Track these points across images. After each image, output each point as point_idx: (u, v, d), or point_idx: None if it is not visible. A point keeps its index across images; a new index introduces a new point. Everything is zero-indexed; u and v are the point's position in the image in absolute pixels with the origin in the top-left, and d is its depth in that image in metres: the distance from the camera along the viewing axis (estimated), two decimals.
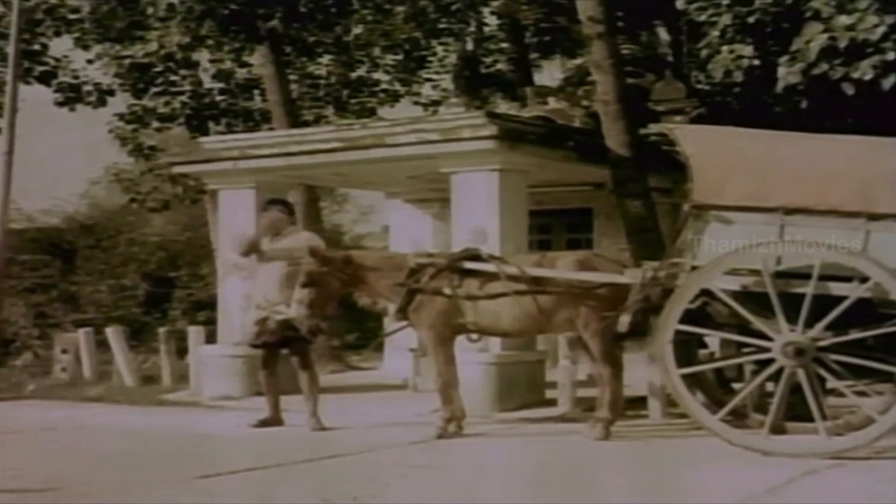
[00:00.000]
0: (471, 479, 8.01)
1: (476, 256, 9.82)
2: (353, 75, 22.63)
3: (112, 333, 15.27)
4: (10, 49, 17.67)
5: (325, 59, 22.18)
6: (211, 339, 13.99)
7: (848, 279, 8.56)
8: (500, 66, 21.42)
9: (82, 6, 20.51)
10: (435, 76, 22.80)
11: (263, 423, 10.39)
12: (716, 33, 13.60)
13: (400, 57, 22.25)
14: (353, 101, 22.70)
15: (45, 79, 21.05)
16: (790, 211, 8.78)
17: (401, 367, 13.61)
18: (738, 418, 9.13)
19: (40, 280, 24.73)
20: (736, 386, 9.72)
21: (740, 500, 7.02)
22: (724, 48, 13.55)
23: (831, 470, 7.97)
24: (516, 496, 7.27)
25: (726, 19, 13.43)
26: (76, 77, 21.44)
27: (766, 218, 8.84)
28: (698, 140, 9.38)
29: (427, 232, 14.12)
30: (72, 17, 20.68)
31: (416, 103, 22.90)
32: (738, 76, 13.60)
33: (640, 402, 10.70)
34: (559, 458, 8.92)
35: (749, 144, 9.24)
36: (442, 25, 21.09)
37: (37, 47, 20.79)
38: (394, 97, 22.92)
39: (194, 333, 14.42)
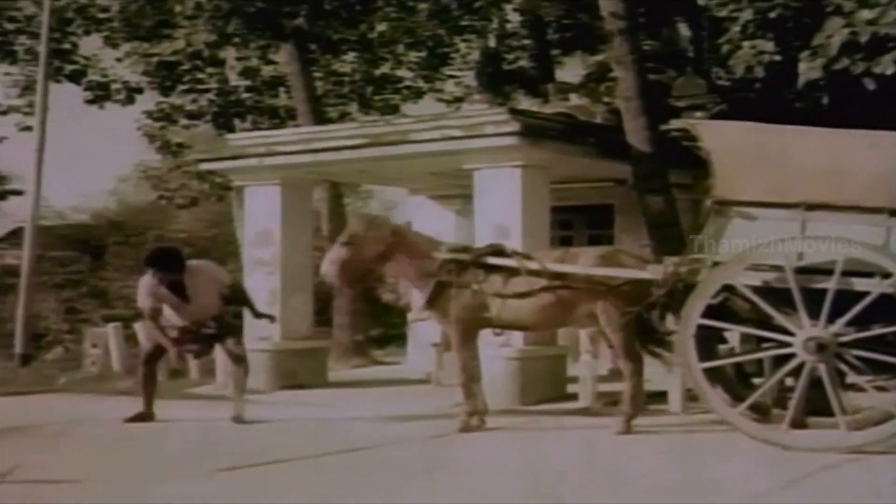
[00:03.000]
0: (492, 472, 7.96)
1: (500, 252, 9.77)
2: (377, 72, 22.63)
3: (140, 328, 15.26)
4: (42, 48, 17.77)
5: (350, 56, 22.20)
6: None
7: (870, 275, 8.47)
8: (522, 62, 21.34)
9: (111, 5, 20.62)
10: (458, 73, 22.78)
11: (138, 418, 10.40)
12: (737, 29, 13.52)
13: (423, 54, 22.24)
14: (376, 97, 22.71)
15: (75, 77, 21.17)
16: (812, 206, 8.69)
17: (424, 362, 13.58)
18: (759, 413, 9.06)
19: (70, 276, 24.83)
20: (756, 381, 9.65)
21: (760, 493, 6.94)
22: (745, 44, 13.47)
23: (850, 464, 7.90)
24: (536, 489, 7.21)
25: (747, 15, 13.35)
26: (105, 75, 21.57)
27: (787, 214, 8.76)
28: (720, 135, 9.30)
29: (450, 228, 14.04)
30: (101, 16, 20.79)
31: (440, 100, 22.88)
32: (759, 72, 13.52)
33: (661, 397, 10.63)
34: (579, 451, 8.86)
35: (771, 140, 9.16)
36: (465, 23, 21.04)
37: (67, 46, 20.93)
38: (417, 94, 22.91)
39: None
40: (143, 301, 10.24)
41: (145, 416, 10.41)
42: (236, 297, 10.70)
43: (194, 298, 10.21)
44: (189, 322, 10.29)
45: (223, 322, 10.48)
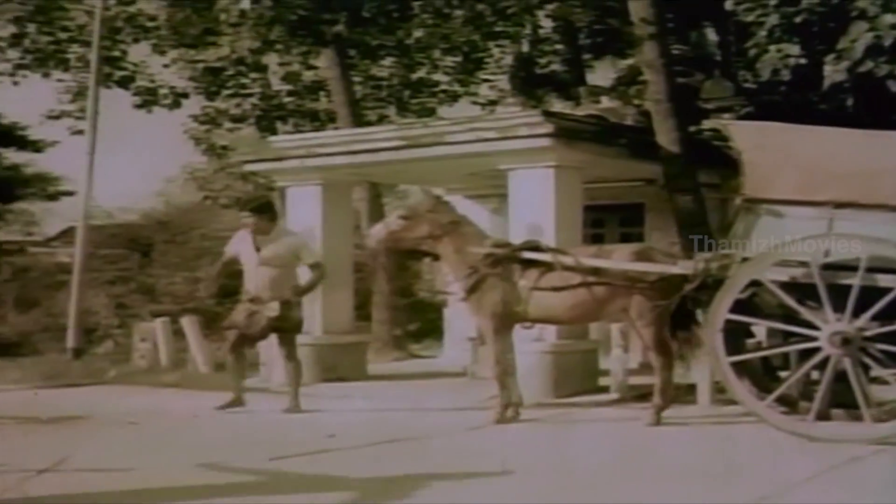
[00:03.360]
0: (528, 462, 7.95)
1: (536, 247, 9.76)
2: (414, 77, 22.61)
3: (187, 323, 15.34)
4: (93, 56, 17.85)
5: (388, 61, 22.18)
6: None
7: (894, 272, 8.42)
8: (554, 66, 21.29)
9: (159, 14, 20.68)
10: (492, 77, 22.72)
11: (230, 405, 10.46)
12: (763, 33, 13.47)
13: (458, 59, 22.20)
14: (414, 101, 22.69)
15: (124, 83, 21.27)
16: (839, 205, 8.65)
17: (459, 356, 13.57)
18: (786, 405, 9.02)
19: (120, 273, 24.93)
20: (782, 374, 9.60)
21: (788, 484, 6.91)
22: (772, 47, 13.42)
23: (875, 456, 7.85)
24: (571, 479, 7.20)
25: (774, 19, 13.29)
26: (153, 81, 21.66)
27: (815, 212, 8.73)
28: (750, 135, 9.28)
29: (485, 226, 14.01)
30: (149, 24, 20.88)
31: (474, 103, 22.83)
32: (786, 75, 13.46)
33: (690, 390, 10.59)
34: (611, 442, 8.85)
35: (799, 140, 9.13)
36: (499, 28, 20.99)
37: (117, 53, 21.02)
38: (453, 97, 22.87)
39: None
40: (227, 247, 10.63)
41: (236, 402, 10.44)
42: (309, 284, 10.64)
43: (265, 254, 10.31)
44: (256, 286, 10.33)
45: (289, 311, 10.44)
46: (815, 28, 13.43)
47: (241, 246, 10.62)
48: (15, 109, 27.81)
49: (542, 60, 21.41)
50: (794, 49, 13.53)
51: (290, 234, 10.88)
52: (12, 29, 21.12)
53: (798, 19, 13.11)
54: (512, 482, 7.19)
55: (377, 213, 17.60)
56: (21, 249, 29.54)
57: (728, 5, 14.27)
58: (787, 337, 9.24)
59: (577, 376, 11.62)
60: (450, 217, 9.88)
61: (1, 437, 9.02)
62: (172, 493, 6.83)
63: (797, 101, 13.82)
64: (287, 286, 10.42)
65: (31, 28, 21.16)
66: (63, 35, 21.20)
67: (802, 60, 13.60)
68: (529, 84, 20.16)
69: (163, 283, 24.91)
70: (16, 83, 21.54)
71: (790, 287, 8.67)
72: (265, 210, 10.67)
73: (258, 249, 10.45)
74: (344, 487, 7.02)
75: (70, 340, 17.00)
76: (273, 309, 10.32)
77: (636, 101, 15.15)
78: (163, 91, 21.66)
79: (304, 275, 10.82)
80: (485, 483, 7.16)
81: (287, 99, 22.06)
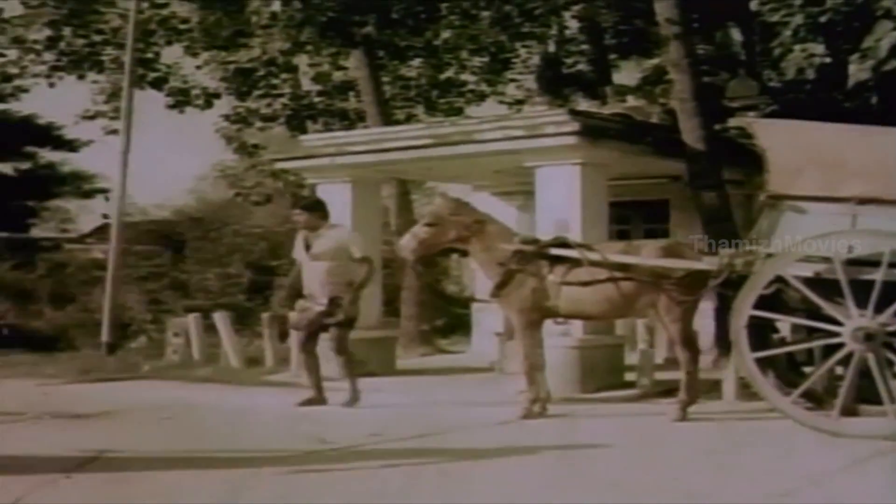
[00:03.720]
0: (555, 456, 7.96)
1: (564, 244, 9.76)
2: (442, 77, 22.65)
3: (219, 318, 15.41)
4: (127, 57, 17.95)
5: (416, 61, 22.23)
6: None
7: None
8: (580, 66, 21.27)
9: (191, 17, 20.78)
10: (519, 76, 22.74)
11: (308, 403, 10.44)
12: (788, 33, 13.43)
13: (486, 59, 22.22)
14: (442, 100, 22.73)
15: (157, 84, 21.39)
16: (862, 201, 8.61)
17: (487, 351, 13.58)
18: (812, 401, 8.99)
19: (153, 269, 25.05)
20: (806, 369, 9.56)
21: (813, 478, 6.89)
22: (797, 47, 13.38)
23: None
24: (597, 473, 7.21)
25: (798, 19, 13.24)
26: (185, 82, 21.79)
27: (838, 208, 8.68)
28: (774, 133, 9.25)
29: (512, 223, 14.01)
30: (182, 26, 20.99)
31: (501, 102, 22.87)
32: (810, 73, 13.42)
33: (716, 385, 10.56)
34: (638, 437, 8.85)
35: (823, 137, 9.10)
36: (525, 29, 20.99)
37: (150, 55, 21.15)
38: (480, 97, 22.90)
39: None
40: (294, 252, 10.72)
41: (315, 401, 10.43)
42: (362, 280, 10.57)
43: (315, 250, 10.37)
44: (310, 282, 10.39)
45: (339, 306, 10.39)
46: (839, 27, 13.37)
47: (297, 245, 10.70)
48: (51, 110, 28.07)
49: (569, 60, 21.39)
50: (819, 48, 13.49)
51: (338, 229, 10.87)
52: (48, 32, 21.30)
53: (823, 19, 13.05)
54: (540, 474, 7.20)
55: (406, 210, 17.66)
56: (57, 246, 29.77)
57: (753, 5, 14.25)
58: (811, 333, 9.20)
59: (604, 371, 11.61)
60: (473, 217, 9.88)
61: (37, 432, 9.08)
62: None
63: (822, 100, 13.77)
64: (340, 281, 10.39)
65: (66, 31, 21.33)
66: (98, 38, 21.35)
67: (827, 59, 13.56)
68: (556, 84, 20.15)
69: (195, 279, 25.02)
70: (52, 84, 21.74)
71: (814, 283, 8.63)
72: (316, 207, 10.70)
73: (309, 247, 10.50)
74: None
75: (104, 336, 17.11)
76: (321, 303, 10.34)
77: (661, 100, 15.13)
78: (195, 92, 21.80)
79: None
80: (513, 476, 7.18)
81: (317, 99, 22.14)
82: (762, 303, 8.79)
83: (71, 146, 30.29)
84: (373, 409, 10.28)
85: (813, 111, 12.51)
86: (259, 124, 22.66)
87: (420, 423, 9.32)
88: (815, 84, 13.89)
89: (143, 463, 7.51)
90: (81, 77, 21.74)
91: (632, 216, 15.08)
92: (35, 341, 18.86)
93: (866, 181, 8.63)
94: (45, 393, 12.08)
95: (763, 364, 8.91)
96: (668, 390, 10.33)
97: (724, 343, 9.40)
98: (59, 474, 7.05)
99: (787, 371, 9.46)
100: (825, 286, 8.60)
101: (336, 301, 10.30)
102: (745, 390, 9.79)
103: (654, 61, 18.22)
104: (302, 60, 21.46)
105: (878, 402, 8.48)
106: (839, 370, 8.96)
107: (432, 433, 8.79)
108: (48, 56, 21.46)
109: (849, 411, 8.59)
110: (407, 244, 9.78)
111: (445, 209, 9.86)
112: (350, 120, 21.61)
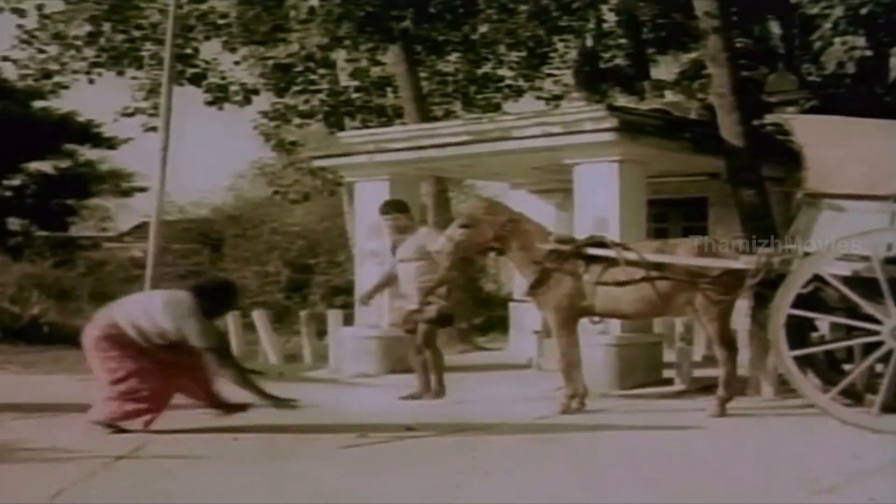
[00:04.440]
0: (594, 451, 8.03)
1: (601, 243, 9.81)
2: (480, 72, 22.65)
3: (257, 316, 15.58)
4: (166, 53, 18.09)
5: (454, 56, 22.25)
6: (348, 321, 14.18)
7: None
8: (618, 61, 21.26)
9: (230, 12, 20.90)
10: (556, 72, 22.70)
11: (411, 397, 10.63)
12: (828, 26, 13.40)
13: (523, 54, 22.21)
14: (479, 96, 22.73)
15: (196, 80, 21.52)
16: None
17: (525, 348, 13.65)
18: (851, 398, 9.01)
19: (191, 267, 25.32)
20: (846, 367, 9.59)
21: (853, 476, 6.92)
22: (837, 40, 13.35)
23: None
24: (636, 469, 7.27)
25: (839, 12, 13.22)
26: (224, 78, 21.90)
27: (877, 206, 8.69)
28: (812, 129, 9.26)
29: (550, 221, 14.07)
30: (220, 22, 21.08)
31: (539, 98, 22.85)
32: (850, 67, 13.38)
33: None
34: (676, 433, 8.89)
35: (862, 134, 9.10)
36: (563, 23, 20.97)
37: (189, 51, 21.26)
38: (518, 92, 22.89)
39: (333, 316, 14.63)
40: None
41: (417, 395, 10.66)
42: (438, 280, 10.58)
43: (400, 253, 10.59)
44: (401, 283, 10.67)
45: (426, 304, 10.52)
46: (880, 20, 13.32)
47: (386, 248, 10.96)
48: (90, 107, 28.36)
49: (606, 55, 21.38)
50: (860, 41, 13.44)
51: (421, 229, 11.02)
52: (88, 28, 21.45)
53: (863, 11, 13.02)
54: (580, 470, 7.27)
55: (443, 207, 17.73)
56: (96, 244, 30.09)
57: None
58: (850, 331, 9.23)
59: (642, 369, 11.67)
60: (508, 216, 9.95)
61: (77, 426, 9.22)
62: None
63: (862, 94, 13.73)
64: (428, 279, 10.51)
65: (106, 27, 21.47)
66: (137, 33, 21.49)
67: (868, 53, 13.50)
68: (593, 79, 20.17)
69: (234, 276, 25.22)
70: (91, 81, 21.90)
71: (852, 282, 8.65)
72: (404, 209, 10.92)
73: (394, 249, 10.67)
74: None
75: None
76: (415, 303, 10.52)
77: (700, 95, 15.11)
78: (233, 88, 21.89)
79: None
80: (553, 471, 7.26)
81: (355, 95, 22.19)
82: (801, 302, 8.82)
83: (110, 144, 30.59)
84: (410, 405, 10.39)
85: (853, 106, 12.50)
86: (297, 121, 22.74)
87: (460, 418, 9.42)
88: (855, 78, 13.85)
89: (184, 458, 7.65)
90: (121, 73, 21.89)
91: (670, 214, 15.09)
92: (75, 338, 19.02)
93: None
94: (86, 388, 12.24)
95: (802, 362, 8.94)
96: (707, 387, 10.38)
97: (761, 341, 9.41)
98: (100, 467, 7.21)
99: (827, 369, 9.50)
100: (864, 285, 8.62)
101: (427, 300, 10.45)
102: (785, 387, 9.82)
103: (693, 56, 18.21)
104: (340, 56, 21.49)
105: None
106: (878, 367, 8.98)
107: (470, 429, 8.89)
108: (88, 52, 21.62)
109: (888, 408, 8.62)
110: (444, 247, 9.85)
111: (479, 209, 9.95)
112: (388, 116, 21.65)
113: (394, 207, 10.98)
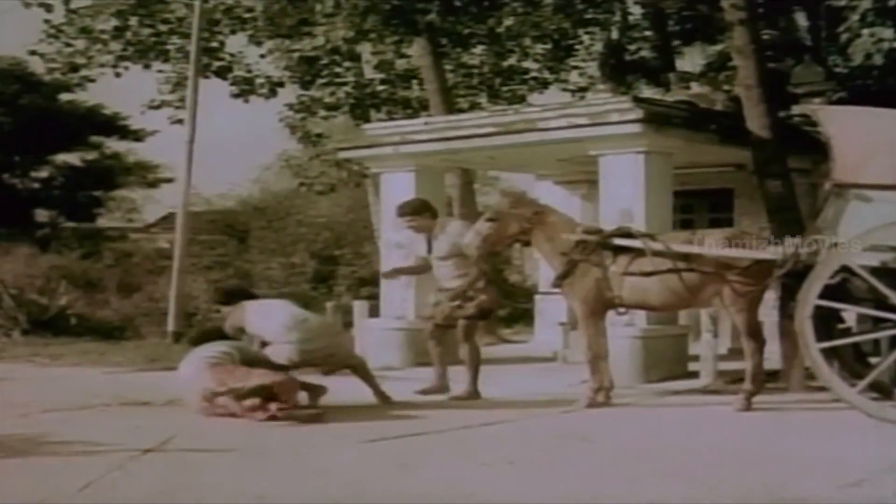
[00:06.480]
0: (620, 445, 7.99)
1: (628, 234, 9.76)
2: (505, 64, 22.63)
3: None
4: (192, 47, 18.17)
5: (479, 49, 22.23)
6: (373, 313, 14.17)
7: None
8: (643, 53, 21.20)
9: (256, 6, 20.95)
10: (582, 64, 22.68)
11: (426, 391, 10.55)
12: (856, 17, 13.30)
13: (549, 46, 22.17)
14: (504, 88, 22.71)
15: (222, 73, 21.60)
16: None
17: (550, 341, 13.62)
18: (879, 391, 8.94)
19: (218, 258, 25.39)
20: (873, 360, 9.50)
21: (880, 470, 6.86)
22: (865, 32, 13.25)
23: None
24: (662, 462, 7.24)
25: (867, 3, 13.12)
26: (250, 71, 21.98)
27: None
28: (840, 120, 9.18)
29: (575, 212, 14.03)
30: (246, 15, 21.16)
31: (564, 90, 22.82)
32: (878, 59, 13.27)
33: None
34: (702, 426, 8.84)
35: (890, 125, 9.01)
36: (588, 15, 20.95)
37: (215, 44, 21.35)
38: (543, 84, 22.86)
39: (358, 308, 14.60)
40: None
41: (435, 390, 10.57)
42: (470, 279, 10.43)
43: (435, 251, 10.50)
44: (439, 278, 10.59)
45: (462, 299, 10.41)
46: None
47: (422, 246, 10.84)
48: (117, 100, 28.47)
49: (632, 47, 21.33)
50: (888, 33, 13.33)
51: (451, 225, 10.89)
52: (115, 22, 21.57)
53: (892, 2, 12.91)
54: (605, 463, 7.24)
55: (468, 199, 17.72)
56: (123, 236, 30.25)
57: None
58: (878, 322, 9.15)
59: (668, 361, 11.63)
60: (534, 208, 9.93)
61: (105, 419, 9.25)
62: None
63: (890, 86, 13.62)
64: (464, 274, 10.37)
65: (133, 21, 21.59)
66: (163, 27, 21.59)
67: None
68: (619, 71, 20.12)
69: (259, 268, 25.33)
70: (118, 74, 22.02)
71: (880, 272, 8.58)
72: (421, 209, 10.75)
73: (430, 246, 10.64)
74: None
75: (170, 324, 17.35)
76: (449, 297, 10.42)
77: (726, 87, 15.03)
78: (259, 80, 21.97)
79: None
80: (578, 464, 7.23)
81: (380, 87, 22.21)
82: (828, 293, 8.75)
83: (136, 136, 30.74)
84: (435, 398, 10.37)
85: (881, 97, 12.39)
86: (323, 113, 22.80)
87: (482, 411, 9.40)
88: (883, 70, 13.75)
89: (211, 451, 7.65)
90: (147, 67, 22.01)
91: (696, 205, 15.02)
92: (102, 330, 19.16)
93: None
94: (113, 381, 12.30)
95: (829, 354, 8.87)
96: (733, 380, 10.32)
97: (789, 333, 9.33)
98: (128, 459, 7.22)
99: (854, 362, 9.42)
100: (892, 275, 8.55)
101: (462, 295, 10.36)
102: (811, 380, 9.75)
103: (719, 47, 18.14)
104: (365, 49, 21.53)
105: None
106: None
107: (496, 422, 8.87)
108: (115, 46, 21.73)
109: None
110: (472, 241, 9.82)
111: (505, 203, 9.93)
112: (413, 108, 21.66)
113: (410, 210, 10.77)
